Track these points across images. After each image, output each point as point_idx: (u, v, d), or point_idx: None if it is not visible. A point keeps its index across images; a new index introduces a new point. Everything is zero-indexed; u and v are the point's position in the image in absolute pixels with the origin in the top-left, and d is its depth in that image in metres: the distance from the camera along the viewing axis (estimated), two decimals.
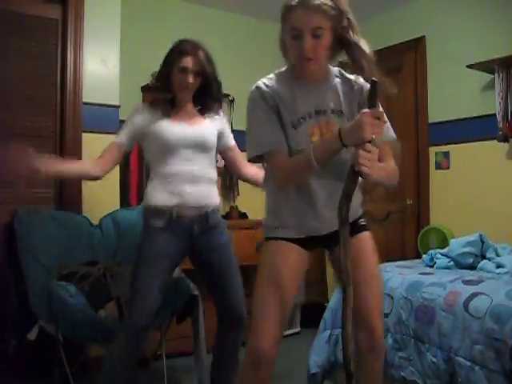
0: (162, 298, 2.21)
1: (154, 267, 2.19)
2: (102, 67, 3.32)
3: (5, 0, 3.02)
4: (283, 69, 1.79)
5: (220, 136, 2.44)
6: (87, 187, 3.16)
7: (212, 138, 2.38)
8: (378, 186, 1.75)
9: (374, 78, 1.53)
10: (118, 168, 3.37)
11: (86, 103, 3.23)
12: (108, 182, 3.26)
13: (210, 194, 2.33)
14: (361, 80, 1.82)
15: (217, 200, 2.37)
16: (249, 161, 1.79)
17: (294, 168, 1.67)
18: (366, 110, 1.49)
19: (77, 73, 3.20)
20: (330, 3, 1.62)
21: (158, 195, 2.25)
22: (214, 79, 2.39)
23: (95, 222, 3.10)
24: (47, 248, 2.73)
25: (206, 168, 2.34)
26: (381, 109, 1.51)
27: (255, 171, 2.43)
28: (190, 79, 2.29)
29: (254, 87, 1.73)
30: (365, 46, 1.72)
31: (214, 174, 2.39)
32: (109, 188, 3.27)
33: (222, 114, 2.50)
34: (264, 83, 1.73)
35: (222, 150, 2.50)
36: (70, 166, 2.33)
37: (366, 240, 1.85)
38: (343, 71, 1.82)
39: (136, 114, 2.35)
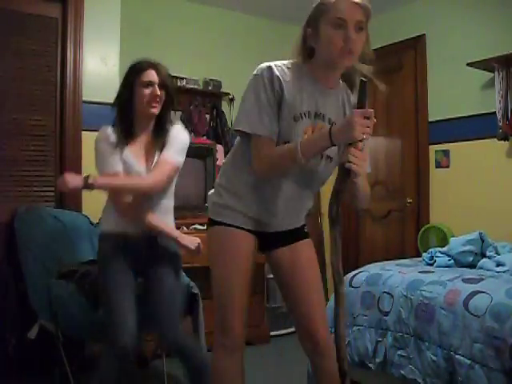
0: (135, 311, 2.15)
1: (116, 288, 2.17)
2: (102, 66, 3.32)
3: None
4: (299, 62, 1.73)
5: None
6: None
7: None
8: (351, 203, 1.83)
9: (362, 78, 1.53)
10: None
11: (85, 102, 3.23)
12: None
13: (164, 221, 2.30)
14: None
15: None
16: (235, 131, 1.76)
17: (278, 158, 1.66)
18: (357, 110, 1.49)
19: (76, 71, 3.20)
20: (368, 3, 1.63)
21: (109, 221, 2.30)
22: (174, 95, 2.34)
23: (95, 220, 3.09)
24: (47, 247, 2.73)
25: (161, 198, 2.29)
26: (371, 109, 1.50)
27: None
28: (157, 91, 2.21)
29: (265, 65, 1.69)
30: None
31: (169, 203, 2.34)
32: None
33: (174, 133, 2.33)
34: (277, 66, 1.69)
35: None
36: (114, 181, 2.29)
37: (307, 246, 1.92)
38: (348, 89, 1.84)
39: (102, 142, 2.26)
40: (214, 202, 1.84)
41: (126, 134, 2.23)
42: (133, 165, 2.22)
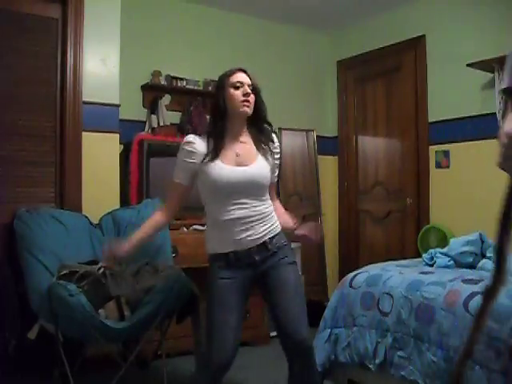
0: (239, 333, 2.11)
1: (224, 304, 2.08)
2: (102, 66, 3.32)
3: None
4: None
5: (271, 171, 2.25)
6: (87, 186, 3.17)
7: (267, 178, 2.21)
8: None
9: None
10: (118, 167, 3.39)
11: (85, 102, 3.23)
12: (108, 181, 3.28)
13: (265, 230, 2.16)
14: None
15: (274, 228, 2.20)
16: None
17: None
18: None
19: (77, 72, 3.20)
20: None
21: (214, 243, 2.15)
22: (262, 99, 2.25)
23: (95, 221, 3.10)
24: (47, 247, 2.73)
25: (259, 206, 2.17)
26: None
27: (278, 206, 2.33)
28: (249, 90, 2.14)
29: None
30: None
31: (268, 207, 2.21)
32: (109, 187, 3.28)
33: (275, 140, 2.28)
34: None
35: None
36: (145, 234, 2.22)
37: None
38: None
39: (188, 150, 2.15)
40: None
41: (218, 141, 2.14)
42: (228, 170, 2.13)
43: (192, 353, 2.71)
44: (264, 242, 2.13)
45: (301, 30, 4.76)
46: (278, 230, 2.21)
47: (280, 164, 2.31)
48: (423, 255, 3.12)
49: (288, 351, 2.13)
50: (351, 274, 2.80)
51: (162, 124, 3.95)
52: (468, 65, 3.60)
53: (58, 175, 3.17)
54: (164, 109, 3.99)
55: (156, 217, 2.21)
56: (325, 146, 4.86)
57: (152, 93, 4.02)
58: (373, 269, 2.81)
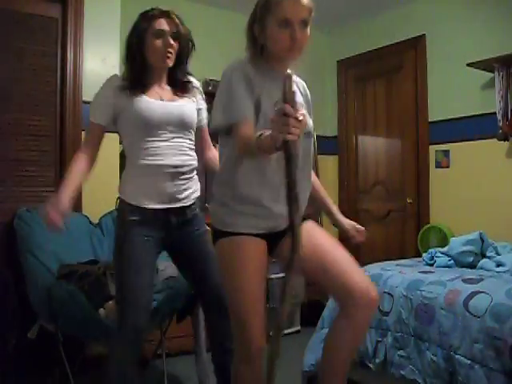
0: (152, 293, 2.08)
1: (138, 264, 2.00)
2: (102, 66, 3.32)
3: None
4: (249, 56, 1.80)
5: (198, 113, 2.18)
6: (87, 186, 3.16)
7: (195, 115, 2.14)
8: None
9: (288, 72, 1.37)
10: (117, 167, 3.38)
11: (85, 102, 3.23)
12: (108, 181, 3.27)
13: (190, 190, 2.09)
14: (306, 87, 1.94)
15: (197, 191, 2.14)
16: (213, 130, 1.75)
17: (249, 144, 1.57)
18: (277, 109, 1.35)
19: (77, 72, 3.20)
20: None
21: (133, 192, 2.02)
22: (191, 42, 2.15)
23: (95, 221, 3.10)
24: (47, 247, 2.73)
25: (189, 153, 2.09)
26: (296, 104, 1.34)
27: (216, 155, 2.12)
28: (171, 41, 2.03)
29: (231, 67, 1.73)
30: None
31: (195, 161, 2.13)
32: (109, 187, 3.27)
33: (197, 84, 2.20)
34: (241, 67, 1.73)
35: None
36: (75, 183, 2.05)
37: (311, 225, 1.88)
38: None
39: (109, 88, 2.05)
40: (219, 212, 1.77)
41: (137, 86, 2.02)
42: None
43: (192, 352, 2.71)
44: (184, 205, 2.05)
45: None
46: (198, 194, 2.14)
47: (209, 110, 2.04)
48: (423, 255, 3.13)
49: (206, 304, 2.13)
50: None
51: None
52: (468, 64, 3.60)
53: (58, 175, 3.17)
54: None
55: (82, 165, 2.05)
56: (325, 145, 4.86)
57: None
58: (373, 268, 2.81)
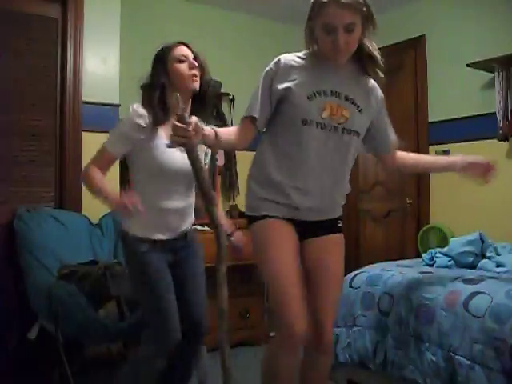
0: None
1: (160, 285, 2.07)
2: (102, 66, 3.32)
3: None
4: (310, 50, 1.87)
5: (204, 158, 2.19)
6: None
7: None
8: None
9: (176, 94, 1.59)
10: (117, 167, 3.38)
11: (85, 102, 3.23)
12: (108, 181, 3.27)
13: (190, 221, 2.23)
14: (376, 87, 1.94)
15: (193, 220, 2.25)
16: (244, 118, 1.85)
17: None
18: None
19: (77, 72, 3.20)
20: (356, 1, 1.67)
21: (142, 227, 2.06)
22: (210, 76, 2.20)
23: (95, 221, 3.10)
24: (47, 247, 2.73)
25: (191, 195, 2.19)
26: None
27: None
28: (195, 63, 2.06)
29: (277, 58, 1.84)
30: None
31: (193, 197, 2.22)
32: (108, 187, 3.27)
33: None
34: (285, 57, 1.83)
35: None
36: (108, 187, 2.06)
37: (337, 242, 1.92)
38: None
39: (137, 123, 2.01)
40: (248, 198, 1.89)
41: (161, 117, 2.02)
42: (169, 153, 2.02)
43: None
44: (186, 232, 2.18)
45: (301, 30, 4.74)
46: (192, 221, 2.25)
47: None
48: (423, 255, 3.12)
49: (184, 330, 2.12)
50: (351, 274, 2.79)
51: None
52: (468, 65, 3.60)
53: (58, 175, 3.17)
54: None
55: (102, 177, 2.05)
56: None
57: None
58: (373, 269, 2.81)
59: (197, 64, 2.09)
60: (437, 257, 2.98)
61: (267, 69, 1.83)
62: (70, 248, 2.82)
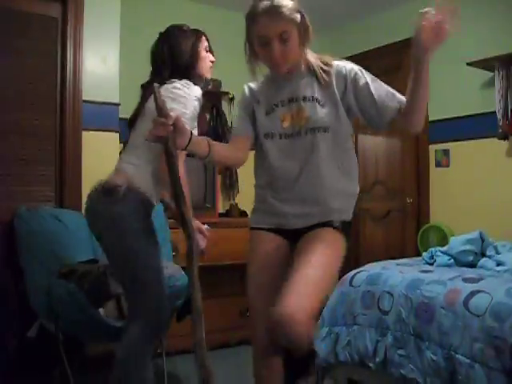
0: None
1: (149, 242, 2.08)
2: (102, 65, 3.32)
3: None
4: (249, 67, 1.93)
5: None
6: (87, 185, 3.16)
7: None
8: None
9: (155, 85, 1.61)
10: None
11: (85, 101, 3.23)
12: None
13: None
14: (339, 64, 1.86)
15: None
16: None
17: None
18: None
19: (77, 71, 3.20)
20: (291, 6, 1.67)
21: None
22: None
23: None
24: (47, 246, 2.73)
25: None
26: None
27: None
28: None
29: (243, 88, 1.98)
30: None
31: None
32: None
33: None
34: (248, 85, 1.96)
35: None
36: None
37: (324, 232, 1.82)
38: (322, 59, 1.85)
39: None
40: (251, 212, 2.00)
41: None
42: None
43: (192, 351, 2.71)
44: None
45: None
46: None
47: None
48: (423, 254, 3.12)
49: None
50: (351, 273, 2.79)
51: None
52: (468, 64, 3.60)
53: (58, 174, 3.17)
54: None
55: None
56: None
57: None
58: (373, 268, 2.81)
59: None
60: (437, 255, 2.98)
61: (242, 92, 1.98)
62: (70, 247, 2.81)
